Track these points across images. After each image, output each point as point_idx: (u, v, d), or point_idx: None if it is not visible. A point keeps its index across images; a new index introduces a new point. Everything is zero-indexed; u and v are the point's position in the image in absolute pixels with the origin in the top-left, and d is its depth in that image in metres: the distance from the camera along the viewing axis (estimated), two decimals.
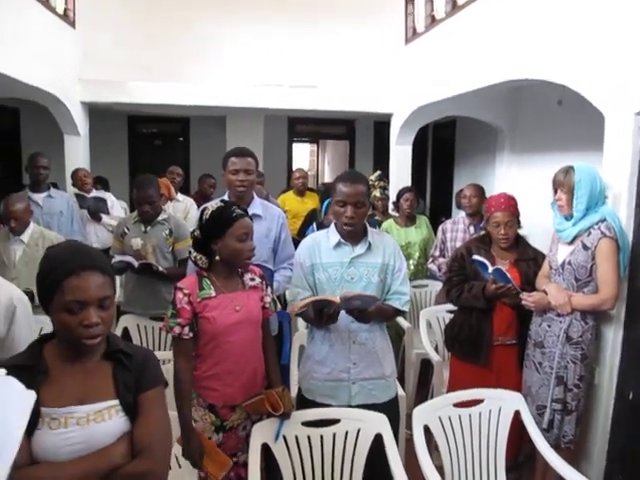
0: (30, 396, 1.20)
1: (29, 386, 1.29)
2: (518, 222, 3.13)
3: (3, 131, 8.03)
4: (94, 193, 5.41)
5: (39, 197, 4.53)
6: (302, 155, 12.72)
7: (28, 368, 1.41)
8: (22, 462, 1.29)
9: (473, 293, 3.01)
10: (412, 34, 6.78)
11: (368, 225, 2.49)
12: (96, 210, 5.14)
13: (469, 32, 5.15)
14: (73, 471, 1.36)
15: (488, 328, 3.00)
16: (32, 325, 2.10)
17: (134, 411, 1.48)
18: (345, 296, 2.11)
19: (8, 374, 1.25)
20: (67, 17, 6.34)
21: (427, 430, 2.32)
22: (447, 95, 5.56)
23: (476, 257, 2.98)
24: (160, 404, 1.53)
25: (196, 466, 2.18)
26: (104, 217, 5.20)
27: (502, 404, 2.46)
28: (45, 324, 2.37)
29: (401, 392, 2.81)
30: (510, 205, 3.09)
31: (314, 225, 4.30)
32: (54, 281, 1.39)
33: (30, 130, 8.43)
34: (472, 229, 4.24)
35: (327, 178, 12.17)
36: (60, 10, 6.17)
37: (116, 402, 1.47)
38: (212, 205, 2.28)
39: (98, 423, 1.43)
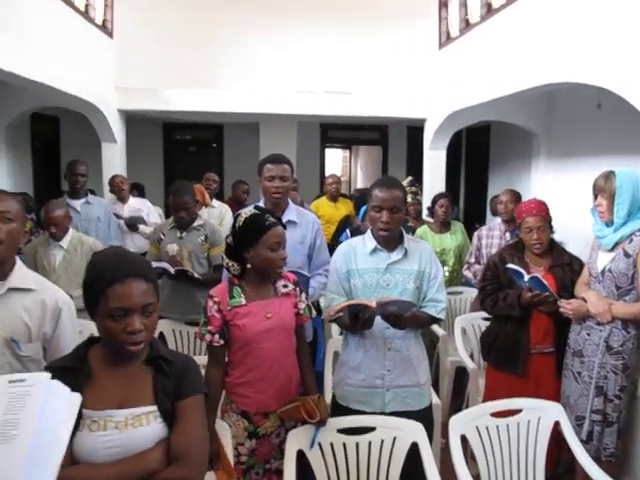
0: (76, 399, 1.23)
1: (73, 388, 1.32)
2: (550, 227, 3.07)
3: (44, 139, 8.23)
4: (132, 200, 5.49)
5: (77, 203, 4.63)
6: (334, 161, 12.74)
7: (73, 370, 1.44)
8: (63, 462, 1.31)
9: (508, 302, 2.96)
10: (446, 39, 6.75)
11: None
12: (133, 222, 5.22)
13: (504, 36, 5.09)
14: (109, 474, 1.38)
15: (525, 336, 2.94)
16: (76, 327, 2.14)
17: (172, 418, 1.49)
18: (381, 301, 2.10)
19: (54, 376, 1.28)
20: (105, 28, 6.51)
21: (463, 439, 2.28)
22: (482, 100, 5.51)
23: (511, 266, 2.92)
24: (198, 412, 1.54)
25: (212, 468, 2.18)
26: (140, 227, 5.28)
27: (541, 414, 2.41)
28: (83, 327, 2.43)
29: (436, 400, 2.78)
30: (541, 210, 3.04)
31: (348, 231, 4.29)
32: (99, 288, 1.42)
33: (69, 138, 8.64)
34: (508, 235, 4.18)
35: (359, 184, 12.15)
36: (99, 21, 6.33)
37: (154, 408, 1.48)
38: (245, 212, 2.28)
39: (136, 428, 1.44)
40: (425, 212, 5.53)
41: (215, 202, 5.48)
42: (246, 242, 2.20)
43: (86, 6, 6.02)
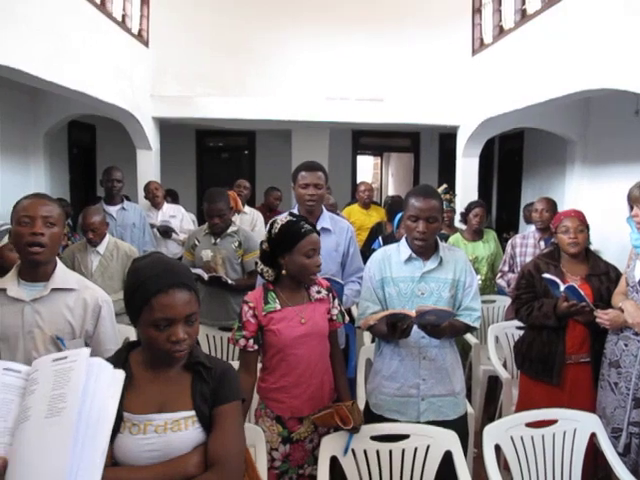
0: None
1: None
2: (589, 236, 3.03)
3: (80, 146, 8.43)
4: (166, 206, 5.58)
5: (113, 209, 4.72)
6: (366, 168, 12.73)
7: None
8: (105, 462, 1.34)
9: (544, 311, 2.92)
10: (479, 45, 6.72)
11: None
12: (165, 230, 5.30)
13: (539, 42, 5.05)
14: (148, 476, 1.41)
15: (560, 346, 2.90)
16: (115, 323, 2.22)
17: (209, 423, 1.51)
18: (421, 310, 2.10)
19: None
20: (141, 37, 6.65)
21: (496, 449, 2.26)
22: (516, 107, 5.47)
23: (546, 276, 2.89)
24: (235, 419, 1.55)
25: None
26: (173, 234, 5.35)
27: (577, 425, 2.37)
28: (118, 331, 2.49)
29: (470, 409, 2.76)
30: (579, 213, 3.03)
31: (380, 239, 4.29)
32: (143, 298, 1.44)
33: (104, 145, 8.84)
34: (542, 244, 4.13)
35: (390, 191, 12.12)
36: (135, 31, 6.47)
37: (193, 413, 1.50)
38: (281, 219, 2.30)
39: (175, 432, 1.47)
40: (458, 218, 5.49)
41: (247, 208, 5.53)
42: (282, 248, 2.22)
43: (123, 16, 6.18)
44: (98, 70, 5.34)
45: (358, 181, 8.68)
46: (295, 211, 2.96)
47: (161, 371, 1.53)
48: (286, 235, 2.22)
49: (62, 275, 2.08)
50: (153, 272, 1.47)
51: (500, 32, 6.14)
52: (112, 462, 1.42)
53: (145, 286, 1.44)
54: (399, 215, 4.34)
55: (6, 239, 3.97)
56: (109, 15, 5.66)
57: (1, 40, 3.74)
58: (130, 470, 1.42)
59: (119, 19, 6.00)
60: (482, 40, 6.71)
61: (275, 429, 2.27)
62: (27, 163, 6.84)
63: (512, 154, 8.75)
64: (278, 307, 2.23)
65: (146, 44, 6.77)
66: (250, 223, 5.27)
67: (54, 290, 2.03)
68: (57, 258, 2.13)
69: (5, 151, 6.34)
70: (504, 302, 4.46)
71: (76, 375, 1.14)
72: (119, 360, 1.53)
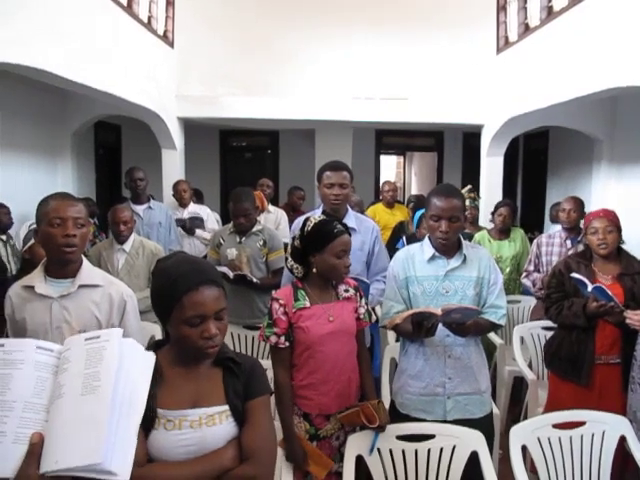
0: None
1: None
2: (620, 235, 2.98)
3: (106, 146, 8.54)
4: (192, 206, 5.62)
5: (140, 209, 4.77)
6: (388, 167, 12.70)
7: None
8: (140, 460, 1.36)
9: (573, 311, 2.88)
10: (504, 43, 6.66)
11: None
12: (191, 227, 5.34)
13: (566, 39, 4.99)
14: (188, 471, 1.43)
15: (590, 346, 2.86)
16: (139, 318, 2.28)
17: (241, 417, 1.54)
18: (447, 308, 2.10)
19: None
20: (166, 38, 6.71)
21: (522, 450, 2.24)
22: (542, 105, 5.41)
23: (575, 275, 2.85)
24: (266, 412, 1.58)
25: (300, 468, 2.21)
26: (198, 231, 5.39)
27: (606, 428, 2.34)
28: (143, 328, 2.54)
29: (495, 409, 2.74)
30: (609, 213, 2.98)
31: (404, 238, 4.28)
32: (174, 296, 1.46)
33: (130, 145, 8.95)
34: (569, 243, 4.08)
35: (414, 190, 12.07)
36: (160, 32, 6.54)
37: (226, 407, 1.53)
38: (315, 218, 2.32)
39: (210, 427, 1.49)
40: (489, 217, 5.43)
41: (271, 207, 5.54)
42: (313, 247, 2.25)
43: (149, 18, 6.25)
44: (125, 71, 5.41)
45: (381, 180, 8.67)
46: (320, 210, 2.97)
47: (192, 368, 1.55)
48: (318, 234, 2.25)
49: (88, 272, 2.14)
50: (181, 271, 1.49)
51: (526, 30, 6.08)
52: (146, 459, 1.44)
53: (175, 285, 1.47)
54: (418, 214, 4.32)
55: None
56: (135, 17, 5.73)
57: (31, 43, 3.81)
58: (168, 467, 1.44)
59: (145, 21, 6.08)
60: (507, 38, 6.65)
61: (302, 426, 2.29)
62: (55, 163, 6.95)
63: (537, 153, 8.66)
64: (307, 304, 2.25)
65: (171, 45, 6.84)
66: (274, 222, 5.29)
67: (81, 286, 2.09)
68: (82, 255, 2.18)
69: (34, 151, 6.46)
70: (529, 302, 4.42)
71: (109, 354, 1.16)
72: None
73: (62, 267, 2.08)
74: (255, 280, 3.54)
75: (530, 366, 3.67)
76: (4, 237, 4.85)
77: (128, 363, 1.19)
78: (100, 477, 1.07)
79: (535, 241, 4.31)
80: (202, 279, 1.48)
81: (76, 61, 4.43)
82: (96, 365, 1.15)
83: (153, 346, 1.62)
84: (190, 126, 7.48)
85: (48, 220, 2.01)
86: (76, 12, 4.42)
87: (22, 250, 4.51)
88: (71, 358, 1.19)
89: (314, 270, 2.27)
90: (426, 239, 2.48)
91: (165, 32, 6.74)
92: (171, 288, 1.47)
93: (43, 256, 2.72)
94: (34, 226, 3.72)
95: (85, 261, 2.16)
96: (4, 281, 2.29)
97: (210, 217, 5.64)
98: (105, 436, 1.08)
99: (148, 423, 1.42)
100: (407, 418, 2.38)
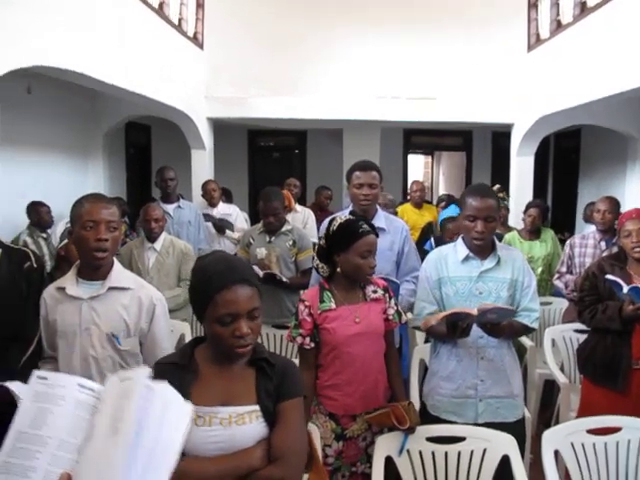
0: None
1: (182, 383, 1.40)
2: None
3: (136, 146, 8.66)
4: (221, 205, 5.66)
5: (170, 208, 4.81)
6: (416, 167, 12.61)
7: (181, 367, 1.53)
8: None
9: (608, 315, 2.81)
10: (535, 41, 6.57)
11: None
12: (221, 226, 5.38)
13: (599, 36, 4.89)
14: (215, 467, 1.45)
15: (626, 350, 2.78)
16: (168, 321, 2.27)
17: (272, 418, 1.54)
18: (483, 308, 2.08)
19: (165, 372, 1.36)
20: (196, 39, 6.78)
21: (554, 455, 2.20)
22: (574, 103, 5.32)
23: (609, 277, 2.79)
24: (298, 414, 1.58)
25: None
26: (227, 231, 5.43)
27: None
28: (172, 326, 2.54)
29: (527, 413, 2.70)
30: None
31: (432, 240, 4.24)
32: (207, 294, 1.48)
33: (160, 145, 9.05)
34: (603, 244, 3.99)
35: (441, 190, 11.97)
36: (190, 33, 6.61)
37: (257, 408, 1.53)
38: (341, 217, 2.33)
39: (239, 426, 1.50)
40: (521, 217, 5.37)
41: (299, 207, 5.55)
42: (338, 246, 2.24)
43: (179, 20, 6.31)
44: (155, 72, 5.48)
45: (409, 180, 8.60)
46: (349, 210, 2.97)
47: (225, 366, 1.56)
48: (343, 233, 2.25)
49: (118, 274, 2.14)
50: (216, 269, 1.51)
51: (558, 27, 5.98)
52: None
53: (209, 283, 1.48)
54: (444, 215, 4.25)
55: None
56: (166, 19, 5.80)
57: (66, 46, 3.88)
58: (198, 462, 1.46)
59: (175, 22, 6.14)
60: (538, 35, 6.55)
61: (328, 425, 2.29)
62: (86, 163, 7.08)
63: (569, 152, 8.52)
64: (333, 306, 2.25)
65: (201, 46, 6.91)
66: (302, 222, 5.29)
67: (111, 289, 2.09)
68: (125, 259, 2.20)
69: (66, 151, 6.60)
70: (561, 304, 4.35)
71: (133, 395, 1.12)
72: (185, 354, 1.57)
73: (93, 269, 2.09)
74: (285, 279, 3.55)
75: (562, 369, 3.61)
76: (45, 235, 4.95)
77: (162, 412, 1.12)
78: None
79: (568, 242, 4.23)
80: (236, 278, 1.49)
81: (108, 62, 4.49)
82: (123, 406, 1.11)
83: (191, 343, 1.65)
84: (219, 126, 7.53)
85: (81, 223, 2.02)
86: (108, 14, 4.49)
87: (57, 247, 4.60)
88: (106, 399, 1.16)
89: (338, 270, 2.27)
90: (459, 239, 2.46)
91: (195, 34, 6.81)
92: (205, 286, 1.49)
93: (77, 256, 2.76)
94: (68, 226, 3.79)
95: (116, 263, 2.16)
96: (44, 280, 2.32)
97: (239, 216, 5.67)
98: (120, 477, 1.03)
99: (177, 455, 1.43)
100: (437, 420, 2.36)
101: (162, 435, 1.11)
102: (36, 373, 1.22)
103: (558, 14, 6.03)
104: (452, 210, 4.17)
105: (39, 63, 3.63)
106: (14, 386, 1.50)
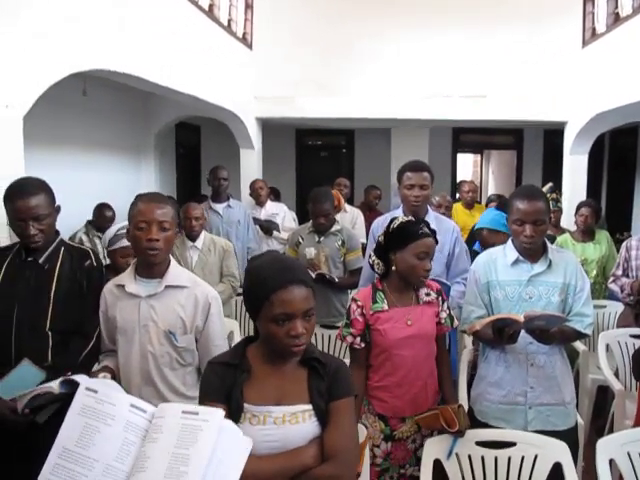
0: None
1: (234, 383, 1.45)
2: None
3: (186, 146, 8.83)
4: (269, 204, 5.71)
5: (220, 207, 4.91)
6: (465, 166, 12.43)
7: (234, 366, 1.56)
8: None
9: None
10: (591, 35, 6.38)
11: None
12: (268, 227, 5.43)
13: None
14: (272, 466, 1.47)
15: None
16: (223, 319, 2.30)
17: (324, 417, 1.56)
18: (530, 315, 2.04)
19: (218, 371, 1.41)
20: (245, 40, 6.86)
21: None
22: (632, 100, 5.14)
23: None
24: (350, 414, 1.59)
25: None
26: (274, 232, 5.47)
27: None
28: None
29: (580, 420, 2.63)
30: None
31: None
32: (263, 294, 1.50)
33: (209, 145, 9.20)
34: None
35: (490, 189, 11.76)
36: (240, 34, 6.69)
37: (309, 407, 1.55)
38: (402, 217, 2.34)
39: (293, 425, 1.52)
40: (573, 219, 5.22)
41: (347, 207, 5.55)
42: (395, 244, 2.25)
43: (229, 21, 6.41)
44: (206, 73, 5.57)
45: (458, 180, 8.48)
46: (400, 211, 2.96)
47: (278, 365, 1.59)
48: (403, 232, 2.25)
49: (175, 272, 2.18)
50: (272, 270, 1.53)
51: (616, 20, 5.78)
52: None
53: (265, 283, 1.50)
54: (480, 224, 3.94)
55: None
56: (216, 20, 5.89)
57: (121, 49, 3.99)
58: (253, 461, 1.46)
59: (225, 24, 6.22)
60: (594, 30, 6.36)
61: (378, 426, 2.30)
62: (139, 162, 7.26)
63: (625, 150, 8.24)
64: (385, 307, 2.25)
65: (250, 47, 6.98)
66: (350, 222, 5.30)
67: (167, 287, 2.13)
68: (171, 256, 2.24)
69: (120, 151, 6.78)
70: (616, 308, 4.21)
71: (205, 439, 1.08)
72: (237, 354, 1.60)
73: (149, 267, 2.13)
74: (335, 279, 3.57)
75: (616, 375, 3.50)
76: (100, 235, 5.09)
77: (223, 450, 1.10)
78: None
79: (624, 244, 4.09)
80: (291, 278, 1.50)
81: (160, 64, 4.59)
82: (188, 447, 1.07)
83: (244, 341, 1.67)
84: (267, 125, 7.60)
85: (135, 223, 2.08)
86: (160, 17, 4.60)
87: (106, 248, 4.73)
88: (163, 429, 1.11)
89: (393, 268, 2.27)
90: (509, 242, 2.41)
91: (244, 34, 6.89)
92: (261, 286, 1.51)
93: (125, 255, 2.83)
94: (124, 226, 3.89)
95: (173, 262, 2.20)
96: (103, 278, 2.40)
97: (287, 215, 5.70)
98: None
99: (235, 417, 1.47)
100: (485, 427, 2.33)
101: (223, 474, 1.09)
102: (85, 384, 1.19)
103: (616, 7, 5.84)
104: (490, 217, 3.82)
105: (96, 67, 3.75)
106: (79, 378, 1.56)
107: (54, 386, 1.82)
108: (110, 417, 1.10)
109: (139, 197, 2.16)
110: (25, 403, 1.86)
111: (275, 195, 6.71)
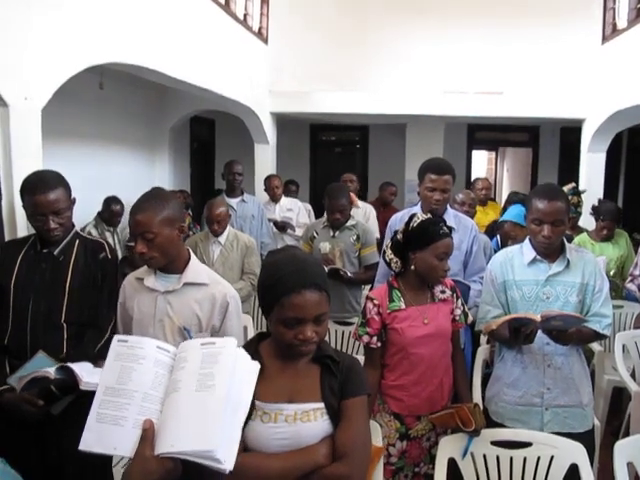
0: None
1: None
2: None
3: (201, 140, 8.84)
4: (283, 200, 5.68)
5: (234, 202, 4.90)
6: (479, 163, 12.34)
7: None
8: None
9: None
10: (611, 31, 6.29)
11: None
12: (283, 225, 5.42)
13: None
14: (281, 463, 1.46)
15: None
16: (241, 319, 2.27)
17: (337, 416, 1.54)
18: (547, 315, 2.01)
19: None
20: (261, 35, 6.84)
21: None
22: None
23: None
24: (362, 412, 1.57)
25: None
26: (289, 230, 5.46)
27: None
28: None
29: (597, 422, 2.61)
30: None
31: (498, 237, 4.12)
32: (275, 295, 1.47)
33: (223, 139, 9.19)
34: None
35: (506, 187, 11.67)
36: (255, 29, 6.68)
37: (321, 405, 1.54)
38: (422, 215, 2.31)
39: (304, 423, 1.51)
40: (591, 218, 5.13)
41: (360, 202, 5.52)
42: (416, 243, 2.24)
43: (245, 15, 6.38)
44: (221, 67, 5.56)
45: (473, 177, 8.41)
46: (418, 207, 2.93)
47: (290, 363, 1.57)
48: (424, 232, 2.23)
49: (194, 269, 2.15)
50: (286, 271, 1.49)
51: (637, 15, 5.69)
52: (243, 448, 1.47)
53: (278, 284, 1.47)
54: (506, 216, 3.95)
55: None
56: (232, 14, 5.87)
57: (138, 43, 4.00)
58: (263, 457, 1.48)
59: (241, 18, 6.21)
60: (615, 25, 6.26)
61: (393, 425, 2.29)
62: (153, 157, 7.28)
63: None
64: (403, 306, 2.24)
65: (265, 41, 6.96)
66: (363, 217, 5.25)
67: (186, 284, 2.11)
68: (192, 252, 2.23)
69: (135, 145, 6.80)
70: (633, 308, 4.17)
71: (225, 359, 1.25)
72: (249, 350, 1.58)
73: (168, 263, 2.11)
74: (349, 275, 3.55)
75: (633, 376, 3.47)
76: (111, 229, 5.12)
77: (239, 368, 1.27)
78: (208, 463, 1.15)
79: None
80: (305, 282, 1.46)
81: (177, 58, 4.59)
82: (212, 367, 1.25)
83: (256, 338, 1.66)
84: (282, 120, 7.59)
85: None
86: (176, 11, 4.59)
87: (126, 241, 4.76)
88: (188, 358, 1.28)
89: (412, 267, 2.25)
90: (527, 241, 2.38)
91: (260, 29, 6.87)
92: (275, 286, 1.48)
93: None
94: None
95: (193, 258, 2.18)
96: (117, 271, 2.40)
97: (302, 211, 5.67)
98: (219, 428, 1.17)
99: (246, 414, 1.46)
100: (500, 427, 2.30)
101: (242, 393, 1.27)
102: (117, 337, 1.35)
103: (639, 2, 5.74)
104: (516, 212, 3.83)
105: (113, 60, 3.75)
106: (77, 367, 1.78)
107: (51, 371, 1.90)
108: (141, 357, 1.28)
109: (137, 201, 2.10)
110: (22, 386, 1.95)
111: (296, 187, 6.66)
